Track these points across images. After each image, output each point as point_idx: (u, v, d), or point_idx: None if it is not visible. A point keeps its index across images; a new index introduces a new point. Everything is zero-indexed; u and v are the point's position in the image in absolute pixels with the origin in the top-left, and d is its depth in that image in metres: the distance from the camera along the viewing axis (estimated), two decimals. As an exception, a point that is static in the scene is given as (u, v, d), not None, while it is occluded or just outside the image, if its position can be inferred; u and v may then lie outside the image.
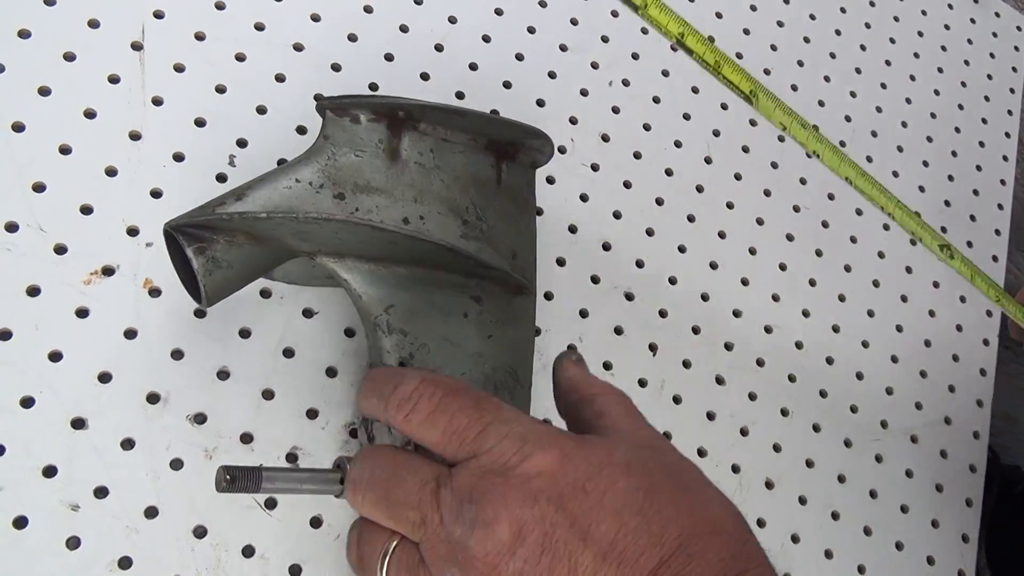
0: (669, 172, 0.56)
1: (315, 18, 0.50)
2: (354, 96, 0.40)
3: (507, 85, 0.54)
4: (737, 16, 0.62)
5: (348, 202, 0.38)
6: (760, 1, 0.63)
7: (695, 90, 0.59)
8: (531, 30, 0.56)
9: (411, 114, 0.40)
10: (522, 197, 0.45)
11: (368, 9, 0.52)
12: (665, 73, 0.58)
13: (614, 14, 0.58)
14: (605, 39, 0.58)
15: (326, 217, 0.36)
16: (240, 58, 0.48)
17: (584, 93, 0.56)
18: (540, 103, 0.54)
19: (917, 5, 0.69)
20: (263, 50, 0.49)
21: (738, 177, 0.58)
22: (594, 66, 0.57)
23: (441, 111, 0.41)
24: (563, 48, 0.56)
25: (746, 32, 0.62)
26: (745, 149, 0.59)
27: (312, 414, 0.43)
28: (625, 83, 0.57)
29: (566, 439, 0.31)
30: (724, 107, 0.59)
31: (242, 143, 0.46)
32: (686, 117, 0.58)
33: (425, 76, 0.52)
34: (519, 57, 0.55)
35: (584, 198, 0.53)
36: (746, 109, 0.59)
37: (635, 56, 0.58)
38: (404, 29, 0.52)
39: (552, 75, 0.55)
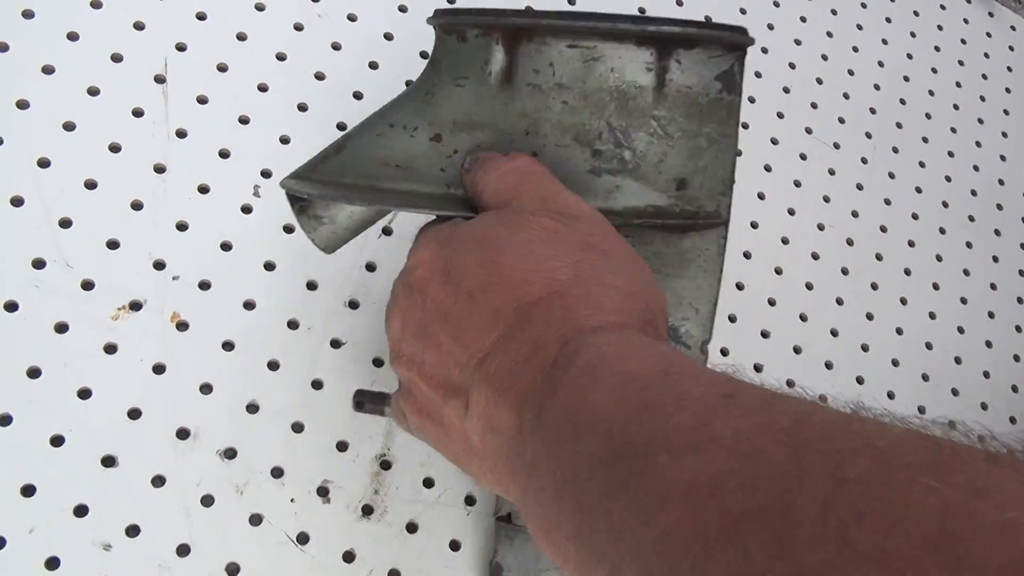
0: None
1: (336, 47, 0.50)
2: (469, 10, 0.34)
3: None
4: (758, 35, 0.62)
5: (446, 143, 0.34)
6: (780, 21, 0.63)
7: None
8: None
9: (533, 31, 0.34)
10: (705, 98, 0.35)
11: (388, 36, 0.52)
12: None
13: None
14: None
15: (368, 204, 0.35)
16: (263, 88, 0.48)
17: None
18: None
19: (909, 6, 0.69)
20: (285, 80, 0.48)
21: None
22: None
23: (575, 30, 0.33)
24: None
25: (764, 51, 0.62)
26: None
27: (342, 447, 0.42)
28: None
29: (444, 229, 0.33)
30: (745, 126, 0.59)
31: (266, 173, 0.46)
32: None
33: (446, 102, 0.51)
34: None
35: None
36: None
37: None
38: (424, 55, 0.52)
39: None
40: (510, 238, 0.31)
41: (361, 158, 0.34)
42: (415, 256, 0.33)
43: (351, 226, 0.36)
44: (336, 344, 0.44)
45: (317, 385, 0.43)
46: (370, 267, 0.46)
